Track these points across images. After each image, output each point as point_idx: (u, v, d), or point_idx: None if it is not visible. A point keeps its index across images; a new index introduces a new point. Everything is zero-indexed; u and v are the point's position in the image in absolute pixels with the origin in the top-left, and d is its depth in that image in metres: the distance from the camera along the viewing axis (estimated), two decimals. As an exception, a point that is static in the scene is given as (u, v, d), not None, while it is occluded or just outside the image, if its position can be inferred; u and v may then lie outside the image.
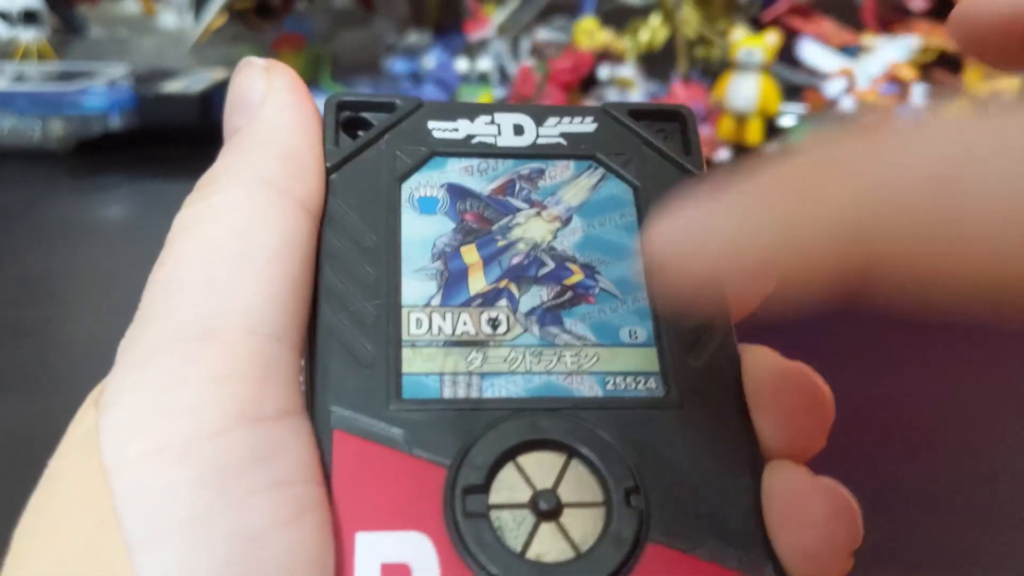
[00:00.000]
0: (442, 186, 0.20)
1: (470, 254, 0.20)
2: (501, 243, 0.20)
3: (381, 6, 1.00)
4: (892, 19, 0.83)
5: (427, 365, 0.18)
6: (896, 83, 0.76)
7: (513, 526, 0.17)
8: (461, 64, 0.83)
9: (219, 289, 0.17)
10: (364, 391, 0.18)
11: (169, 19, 0.99)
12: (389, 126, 0.20)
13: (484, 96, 0.80)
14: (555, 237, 0.20)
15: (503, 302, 0.19)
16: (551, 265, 0.20)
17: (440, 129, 0.21)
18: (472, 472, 0.17)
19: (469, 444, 0.17)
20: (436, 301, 0.19)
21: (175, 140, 0.73)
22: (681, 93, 0.75)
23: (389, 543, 0.16)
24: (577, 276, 0.20)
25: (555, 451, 0.18)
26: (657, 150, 0.21)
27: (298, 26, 0.92)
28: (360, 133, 0.21)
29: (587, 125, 0.21)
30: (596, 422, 0.18)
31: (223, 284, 0.17)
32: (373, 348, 0.18)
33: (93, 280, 0.59)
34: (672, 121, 0.22)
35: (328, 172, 0.20)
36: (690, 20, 0.83)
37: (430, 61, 0.85)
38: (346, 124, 0.21)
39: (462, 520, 0.16)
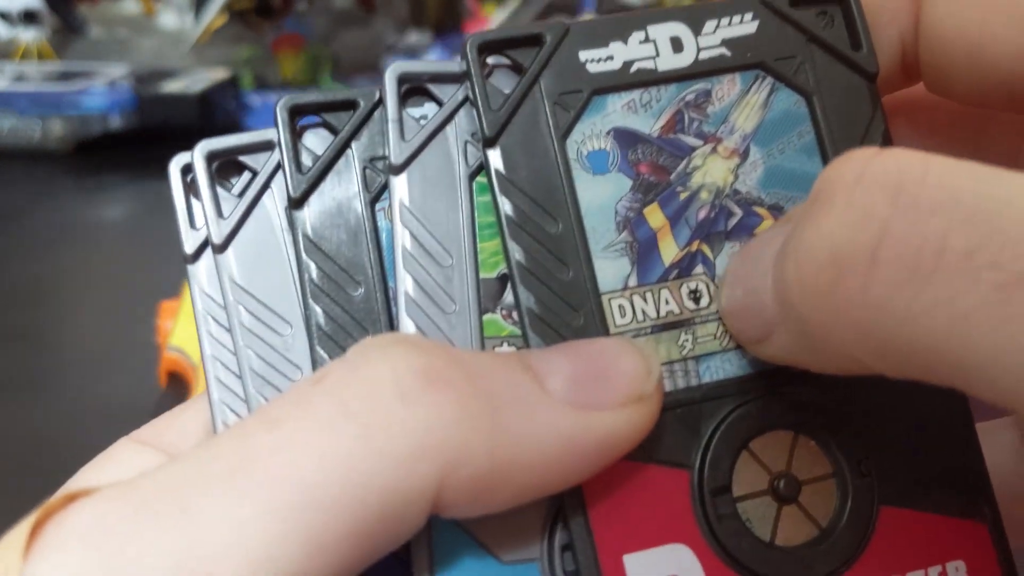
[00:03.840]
0: (608, 133, 0.18)
1: (654, 215, 0.18)
2: (683, 195, 0.18)
3: (381, 6, 1.00)
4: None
5: None
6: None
7: (758, 516, 0.17)
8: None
9: (252, 527, 0.14)
10: None
11: (169, 19, 0.99)
12: (541, 67, 0.18)
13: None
14: (736, 177, 0.18)
15: (699, 268, 0.18)
16: (739, 213, 0.18)
17: (594, 60, 0.18)
18: (716, 473, 0.16)
19: (706, 443, 0.17)
20: (633, 281, 0.17)
21: (175, 140, 0.73)
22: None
23: (655, 559, 0.16)
24: (767, 222, 0.18)
25: (783, 430, 0.17)
26: (826, 47, 0.19)
27: (298, 26, 0.92)
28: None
29: (747, 25, 0.19)
30: (817, 392, 0.17)
31: (263, 522, 0.14)
32: None
33: (93, 280, 0.59)
34: (833, 3, 0.19)
35: (487, 143, 0.17)
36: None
37: (430, 61, 0.85)
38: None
39: (716, 524, 0.16)
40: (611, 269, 0.17)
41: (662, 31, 0.18)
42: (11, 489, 0.36)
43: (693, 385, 0.17)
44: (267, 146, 0.19)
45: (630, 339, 0.17)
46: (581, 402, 0.15)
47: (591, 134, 0.18)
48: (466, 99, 0.18)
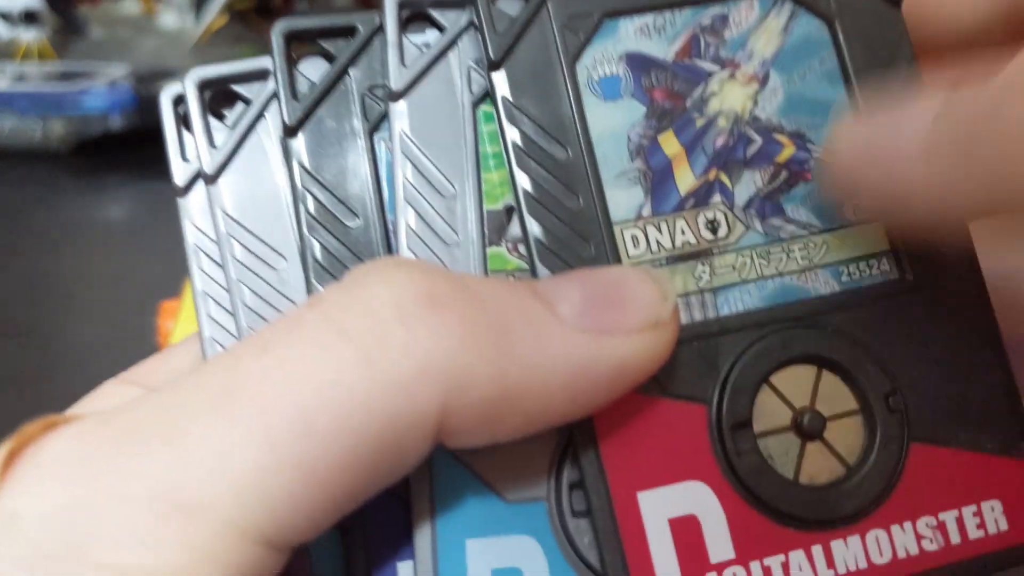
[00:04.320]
0: (621, 58, 0.17)
1: (669, 143, 0.17)
2: (700, 122, 0.17)
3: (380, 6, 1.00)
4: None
5: None
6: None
7: (780, 452, 0.16)
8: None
9: (242, 455, 0.13)
10: None
11: (169, 19, 0.99)
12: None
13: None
14: (755, 103, 0.17)
15: (717, 198, 0.17)
16: (758, 141, 0.17)
17: None
18: (735, 407, 0.16)
19: (724, 376, 0.16)
20: (647, 210, 0.17)
21: (175, 140, 0.73)
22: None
23: (670, 497, 0.15)
24: (788, 149, 0.17)
25: (805, 364, 0.16)
26: None
27: (298, 26, 0.92)
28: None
29: None
30: (841, 324, 0.16)
31: (254, 450, 0.13)
32: None
33: (93, 280, 0.59)
34: None
35: (493, 67, 0.17)
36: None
37: (430, 61, 0.85)
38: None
39: (736, 460, 0.16)
40: (623, 198, 0.17)
41: None
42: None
43: (711, 318, 0.16)
44: (262, 75, 0.18)
45: (644, 267, 0.16)
46: (593, 327, 0.15)
47: (602, 59, 0.17)
48: (470, 24, 0.17)
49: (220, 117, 0.18)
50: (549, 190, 0.16)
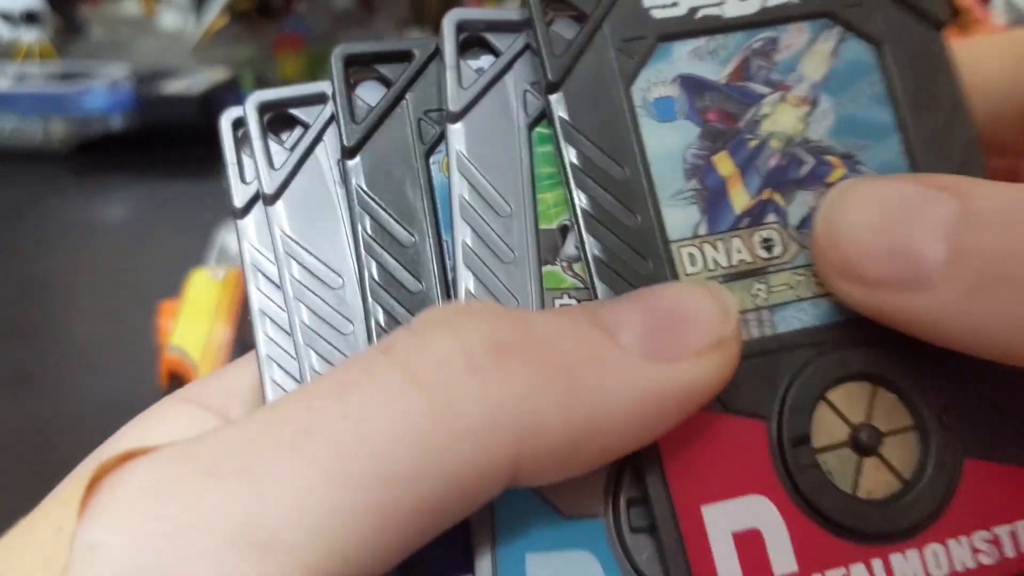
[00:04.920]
0: (674, 80, 0.18)
1: (724, 163, 0.18)
2: (753, 143, 0.18)
3: (381, 6, 1.00)
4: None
5: None
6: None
7: (839, 467, 0.16)
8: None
9: (322, 495, 0.13)
10: None
11: (170, 20, 0.99)
12: (605, 13, 0.17)
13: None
14: (807, 125, 0.18)
15: (771, 217, 0.17)
16: (811, 161, 0.18)
17: (659, 7, 0.18)
18: (795, 423, 0.16)
19: (783, 393, 0.16)
20: (703, 229, 0.17)
21: (176, 140, 0.73)
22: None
23: (733, 511, 0.16)
24: (839, 170, 0.18)
25: (861, 381, 0.17)
26: None
27: (298, 26, 0.92)
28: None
29: None
30: (894, 342, 0.17)
31: (333, 491, 0.13)
32: None
33: (94, 280, 0.59)
34: None
35: (551, 88, 0.17)
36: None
37: (430, 61, 0.85)
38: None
39: (797, 475, 0.16)
40: (680, 217, 0.17)
41: None
42: (11, 488, 0.36)
43: (768, 335, 0.17)
44: (319, 99, 0.19)
45: (702, 281, 0.17)
46: (657, 354, 0.15)
47: (657, 81, 0.18)
48: (526, 47, 0.18)
49: (279, 140, 0.19)
50: (607, 208, 0.17)
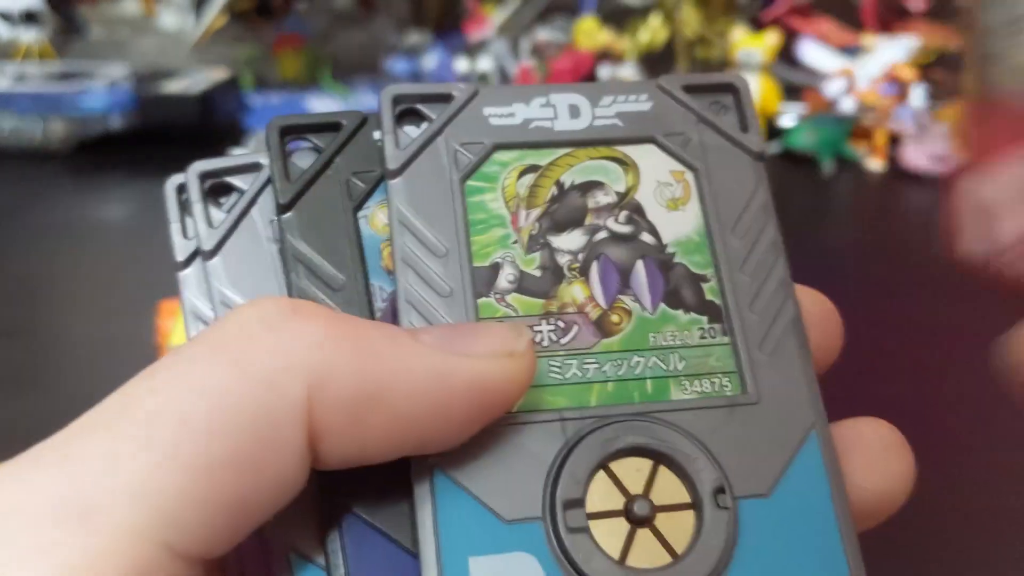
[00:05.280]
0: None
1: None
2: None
3: (381, 6, 1.00)
4: (892, 19, 0.83)
5: None
6: (896, 83, 0.76)
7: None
8: (461, 64, 0.83)
9: (142, 458, 0.14)
10: None
11: (169, 19, 0.99)
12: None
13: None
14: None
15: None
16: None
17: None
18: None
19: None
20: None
21: (175, 140, 0.73)
22: (681, 93, 0.75)
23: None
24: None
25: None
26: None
27: (298, 26, 0.92)
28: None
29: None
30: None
31: (153, 453, 0.14)
32: None
33: (93, 280, 0.59)
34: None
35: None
36: (690, 20, 0.83)
37: (430, 61, 0.85)
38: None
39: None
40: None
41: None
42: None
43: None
44: (255, 167, 0.21)
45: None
46: (450, 348, 0.16)
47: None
48: (456, 113, 0.20)
49: (218, 203, 0.21)
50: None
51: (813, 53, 0.82)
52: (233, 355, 0.15)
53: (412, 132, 0.20)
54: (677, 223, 0.20)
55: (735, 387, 0.19)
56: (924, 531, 0.39)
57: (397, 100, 0.20)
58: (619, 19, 0.85)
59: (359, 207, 0.20)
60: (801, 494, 0.18)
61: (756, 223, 0.20)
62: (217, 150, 0.21)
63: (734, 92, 0.21)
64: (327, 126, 0.20)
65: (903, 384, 0.50)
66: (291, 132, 0.20)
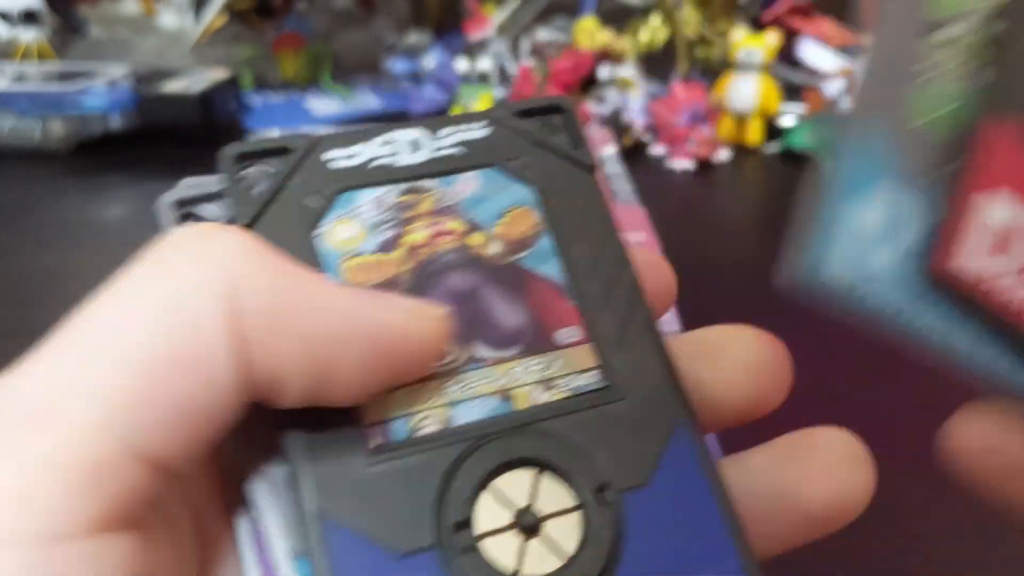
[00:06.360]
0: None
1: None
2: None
3: (381, 6, 1.00)
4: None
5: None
6: (896, 83, 0.76)
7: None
8: (461, 64, 0.83)
9: (93, 364, 0.16)
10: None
11: (169, 19, 0.99)
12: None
13: (484, 96, 0.80)
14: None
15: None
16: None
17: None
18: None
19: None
20: None
21: (175, 140, 0.73)
22: (681, 93, 0.75)
23: None
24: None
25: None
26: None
27: (298, 26, 0.92)
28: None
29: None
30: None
31: (101, 360, 0.16)
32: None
33: (93, 280, 0.59)
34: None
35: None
36: (690, 20, 0.83)
37: (430, 61, 0.85)
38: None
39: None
40: None
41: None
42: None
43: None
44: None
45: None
46: (367, 295, 0.18)
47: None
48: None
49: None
50: None
51: (813, 53, 0.82)
52: (163, 269, 0.17)
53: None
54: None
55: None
56: (906, 537, 0.39)
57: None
58: (619, 19, 0.85)
59: (314, 226, 0.20)
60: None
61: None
62: (217, 150, 0.21)
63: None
64: (278, 150, 0.21)
65: (899, 386, 0.50)
66: (245, 159, 0.20)
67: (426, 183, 0.21)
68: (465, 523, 0.17)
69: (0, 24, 0.87)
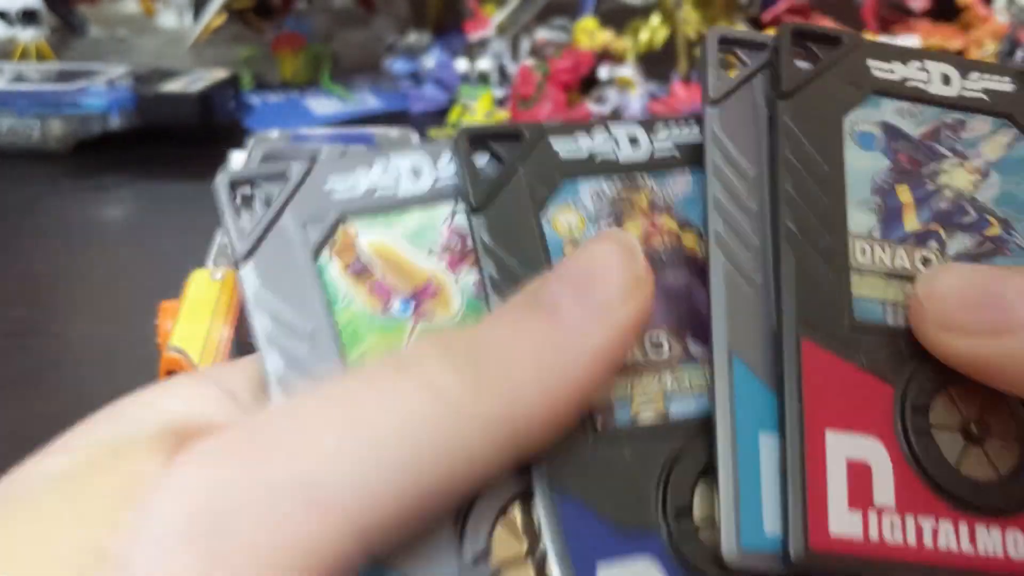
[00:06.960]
0: (878, 123, 0.22)
1: (903, 193, 0.22)
2: (930, 187, 0.22)
3: (381, 6, 1.00)
4: (892, 19, 0.83)
5: (873, 291, 0.20)
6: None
7: (947, 443, 0.19)
8: (461, 64, 0.83)
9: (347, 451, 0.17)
10: (822, 310, 0.20)
11: (168, 19, 0.99)
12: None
13: (484, 96, 0.80)
14: (976, 189, 0.22)
15: (933, 244, 0.22)
16: (974, 215, 0.22)
17: (879, 69, 0.23)
18: (919, 396, 0.19)
19: (914, 369, 0.20)
20: (876, 233, 0.21)
21: (175, 140, 0.73)
22: (681, 93, 0.75)
23: (851, 443, 0.19)
24: (995, 229, 0.22)
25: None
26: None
27: (298, 26, 0.92)
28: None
29: (1006, 84, 0.23)
30: None
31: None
32: (827, 271, 0.20)
33: (93, 280, 0.59)
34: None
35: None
36: (690, 20, 0.83)
37: (430, 61, 0.85)
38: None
39: (912, 434, 0.19)
40: (861, 219, 0.21)
41: (937, 68, 0.23)
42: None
43: (903, 327, 0.20)
44: (281, 176, 0.22)
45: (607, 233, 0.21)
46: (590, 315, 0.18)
47: (865, 119, 0.22)
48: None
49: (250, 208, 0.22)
50: (808, 185, 0.21)
51: (813, 53, 0.81)
52: (433, 392, 0.18)
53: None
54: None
55: None
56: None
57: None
58: (619, 19, 0.84)
59: (541, 210, 0.21)
60: None
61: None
62: (216, 150, 0.21)
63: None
64: (510, 135, 0.22)
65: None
66: (476, 141, 0.22)
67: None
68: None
69: (-1, 24, 0.86)
